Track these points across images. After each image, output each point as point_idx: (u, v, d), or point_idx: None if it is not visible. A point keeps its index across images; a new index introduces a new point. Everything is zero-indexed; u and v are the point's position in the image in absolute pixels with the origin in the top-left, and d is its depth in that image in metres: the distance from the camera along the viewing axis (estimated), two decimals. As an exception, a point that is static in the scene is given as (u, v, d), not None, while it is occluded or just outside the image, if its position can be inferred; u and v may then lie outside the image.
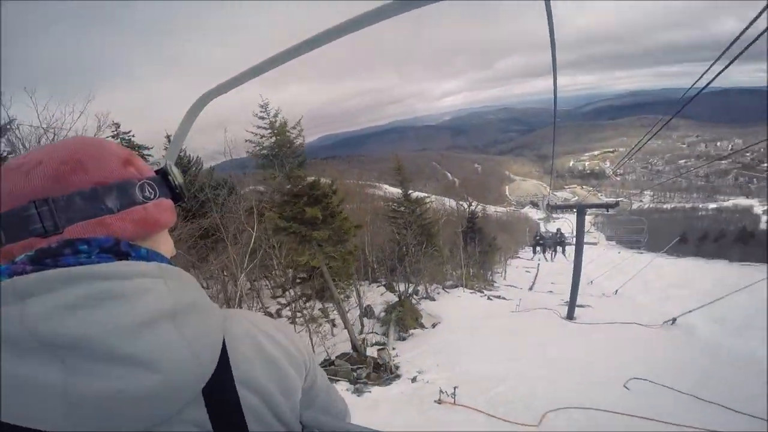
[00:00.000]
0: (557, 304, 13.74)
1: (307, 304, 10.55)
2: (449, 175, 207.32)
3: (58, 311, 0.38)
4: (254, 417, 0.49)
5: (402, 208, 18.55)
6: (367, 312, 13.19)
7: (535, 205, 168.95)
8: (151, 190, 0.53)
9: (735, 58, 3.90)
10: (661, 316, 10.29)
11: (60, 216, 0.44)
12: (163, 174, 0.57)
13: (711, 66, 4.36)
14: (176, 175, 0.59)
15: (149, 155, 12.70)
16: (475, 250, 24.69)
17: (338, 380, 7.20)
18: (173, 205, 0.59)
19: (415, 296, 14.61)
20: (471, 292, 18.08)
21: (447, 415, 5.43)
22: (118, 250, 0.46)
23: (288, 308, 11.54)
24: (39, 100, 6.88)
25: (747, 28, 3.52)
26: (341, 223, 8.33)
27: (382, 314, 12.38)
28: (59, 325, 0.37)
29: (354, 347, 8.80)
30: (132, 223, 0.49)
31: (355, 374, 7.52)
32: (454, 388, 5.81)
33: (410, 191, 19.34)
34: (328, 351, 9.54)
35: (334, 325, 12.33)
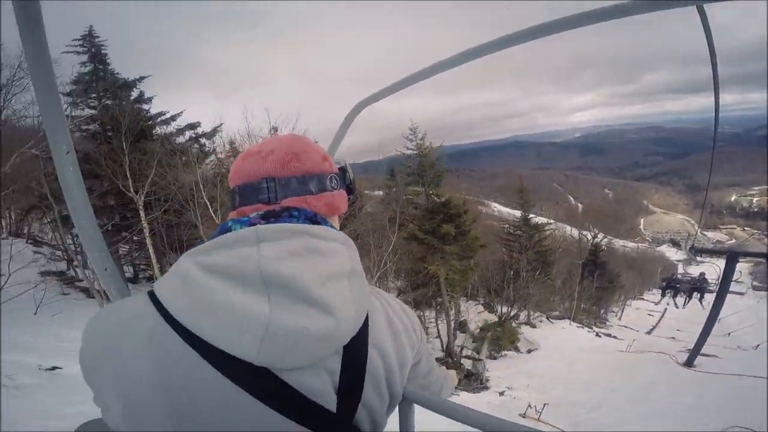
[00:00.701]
0: (677, 351, 12.34)
1: (416, 310, 11.61)
2: (572, 198, 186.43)
3: (282, 256, 0.49)
4: (372, 377, 0.58)
5: (519, 232, 18.19)
6: (461, 326, 13.67)
7: (675, 243, 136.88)
8: (336, 182, 0.67)
9: None
10: None
11: (280, 191, 0.60)
12: (343, 171, 0.71)
13: None
14: (351, 174, 0.73)
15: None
16: (593, 285, 22.70)
17: None
18: (347, 197, 0.72)
19: (515, 320, 14.36)
20: (578, 326, 17.19)
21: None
22: (315, 221, 0.59)
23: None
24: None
25: None
26: (470, 242, 9.19)
27: (477, 331, 12.61)
28: (280, 267, 0.48)
29: (449, 353, 9.48)
30: (324, 204, 0.64)
31: None
32: (544, 405, 6.03)
33: (530, 215, 18.83)
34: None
35: (427, 333, 13.09)
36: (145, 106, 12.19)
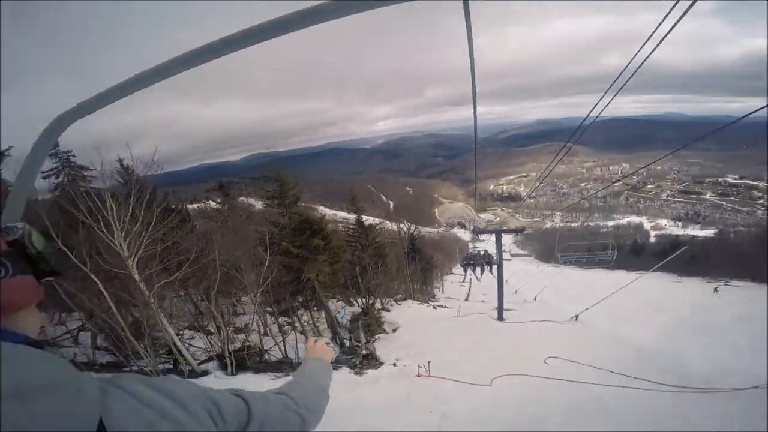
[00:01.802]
0: (489, 310, 16.89)
1: (299, 313, 12.24)
2: (384, 198, 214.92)
3: None
4: None
5: (357, 233, 20.45)
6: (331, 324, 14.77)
7: (462, 225, 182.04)
8: (4, 268, 0.47)
9: (619, 90, 4.59)
10: (568, 315, 13.73)
11: None
12: (19, 245, 0.50)
13: (602, 97, 4.91)
14: (35, 244, 0.51)
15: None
16: (417, 268, 27.50)
17: (341, 366, 9.04)
18: (35, 282, 0.52)
19: (373, 308, 16.50)
20: (418, 303, 20.77)
21: (426, 383, 7.41)
22: None
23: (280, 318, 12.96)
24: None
25: (628, 64, 4.12)
26: (335, 250, 10.50)
27: (348, 323, 14.05)
28: None
29: (341, 344, 10.63)
30: None
31: (352, 361, 9.43)
32: (428, 362, 7.85)
33: (362, 218, 21.43)
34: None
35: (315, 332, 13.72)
36: None
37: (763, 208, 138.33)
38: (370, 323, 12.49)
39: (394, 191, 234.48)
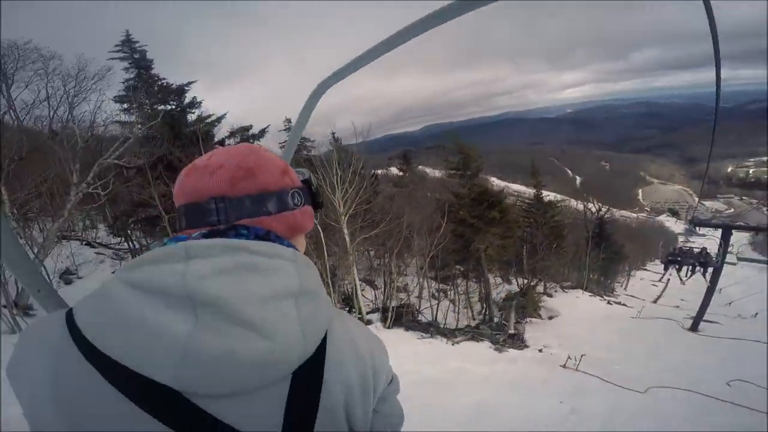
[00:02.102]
0: (683, 317, 13.65)
1: (457, 281, 13.24)
2: (570, 172, 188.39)
3: (212, 273, 0.45)
4: (327, 410, 0.51)
5: (533, 209, 19.33)
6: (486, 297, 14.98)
7: (674, 213, 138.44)
8: (299, 198, 0.62)
9: None
10: None
11: (231, 213, 0.55)
12: (307, 184, 0.66)
13: None
14: (314, 184, 0.67)
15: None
16: (599, 256, 23.72)
17: (483, 340, 9.59)
18: (313, 213, 0.67)
19: (534, 290, 15.68)
20: (590, 295, 18.38)
21: (570, 375, 7.16)
22: (268, 239, 0.55)
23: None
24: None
25: None
26: (510, 224, 10.84)
27: (502, 300, 14.00)
28: (209, 284, 0.44)
29: (491, 319, 10.96)
30: (283, 225, 0.59)
31: (496, 337, 9.80)
32: (581, 356, 7.26)
33: (542, 193, 20.00)
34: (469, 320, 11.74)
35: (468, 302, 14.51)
36: (197, 111, 12.58)
37: None
38: (526, 305, 12.26)
39: (584, 166, 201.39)
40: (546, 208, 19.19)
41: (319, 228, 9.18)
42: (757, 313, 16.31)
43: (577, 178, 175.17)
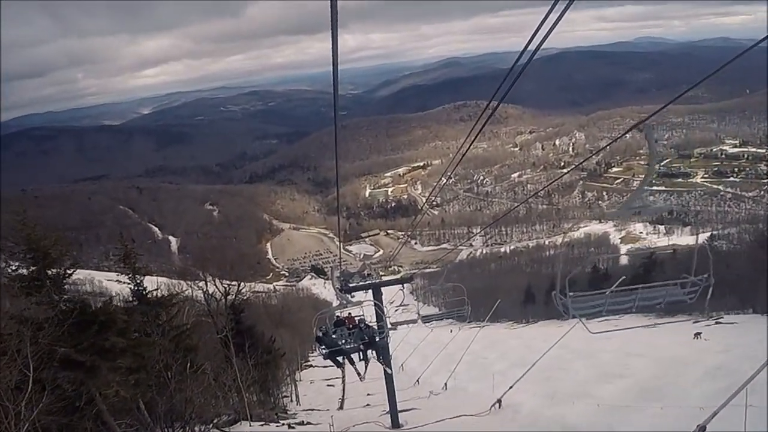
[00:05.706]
0: (379, 415, 12.31)
1: None
2: (158, 231, 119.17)
3: None
4: None
5: (144, 316, 10.82)
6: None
7: (318, 272, 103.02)
8: None
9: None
10: (489, 402, 10.59)
11: None
12: None
13: (548, 14, 2.51)
14: None
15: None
16: (248, 364, 14.95)
17: None
18: None
19: None
20: (261, 425, 13.01)
21: None
22: None
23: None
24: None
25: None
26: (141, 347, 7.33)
27: None
28: None
29: None
30: None
31: None
32: None
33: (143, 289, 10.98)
34: None
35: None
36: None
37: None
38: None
39: (172, 212, 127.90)
40: (153, 308, 11.23)
41: None
42: (446, 383, 15.64)
43: (171, 238, 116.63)
